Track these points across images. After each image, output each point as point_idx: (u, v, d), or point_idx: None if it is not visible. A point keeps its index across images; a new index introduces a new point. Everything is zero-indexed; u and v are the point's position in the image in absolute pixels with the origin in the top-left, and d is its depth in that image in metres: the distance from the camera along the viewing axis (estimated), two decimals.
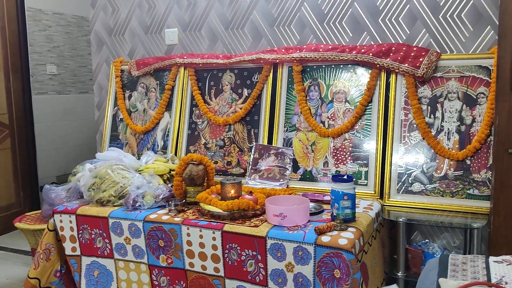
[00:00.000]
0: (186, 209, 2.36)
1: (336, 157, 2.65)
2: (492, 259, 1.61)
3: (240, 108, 2.95)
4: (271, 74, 2.89)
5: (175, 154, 3.06)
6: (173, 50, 3.30)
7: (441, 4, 2.52)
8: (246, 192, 2.37)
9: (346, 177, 2.15)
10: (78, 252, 2.49)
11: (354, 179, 2.42)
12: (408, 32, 2.60)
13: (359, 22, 2.72)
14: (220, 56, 3.04)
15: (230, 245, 2.08)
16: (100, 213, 2.41)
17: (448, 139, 2.44)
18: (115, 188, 2.47)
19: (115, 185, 2.47)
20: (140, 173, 2.62)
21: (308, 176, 2.71)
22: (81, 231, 2.47)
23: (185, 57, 3.13)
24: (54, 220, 2.52)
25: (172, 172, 2.68)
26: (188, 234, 2.17)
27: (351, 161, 2.62)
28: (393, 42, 2.63)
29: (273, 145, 2.81)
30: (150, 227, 2.26)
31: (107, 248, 2.41)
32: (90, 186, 2.53)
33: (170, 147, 3.10)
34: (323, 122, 2.73)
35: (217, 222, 2.14)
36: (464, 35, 2.49)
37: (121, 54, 3.50)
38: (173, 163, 2.82)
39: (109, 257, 2.41)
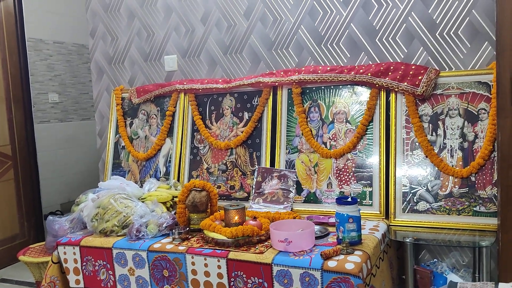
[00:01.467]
0: (190, 236, 2.34)
1: (339, 178, 2.64)
2: (502, 286, 1.58)
3: (241, 132, 2.95)
4: (271, 97, 2.90)
5: (178, 180, 3.06)
6: (172, 76, 3.32)
7: (437, 22, 2.53)
8: (250, 217, 2.35)
9: (350, 199, 2.13)
10: (81, 285, 2.46)
11: (358, 200, 2.41)
12: (406, 51, 2.61)
13: (356, 43, 2.73)
14: (220, 80, 3.05)
15: (236, 273, 2.05)
16: (103, 244, 2.39)
17: (452, 156, 2.43)
18: (118, 217, 2.45)
19: (118, 214, 2.46)
20: (143, 201, 2.61)
21: (312, 198, 2.69)
22: (84, 263, 2.45)
23: (185, 83, 3.14)
24: (58, 252, 2.51)
25: (175, 199, 2.66)
26: (193, 263, 2.15)
27: (355, 181, 2.60)
28: (391, 61, 2.64)
29: (275, 167, 2.80)
30: (155, 256, 2.24)
31: (110, 280, 2.38)
32: (93, 216, 2.52)
33: (173, 173, 3.10)
34: (324, 143, 2.72)
35: (222, 250, 2.11)
36: (462, 52, 2.49)
37: (121, 82, 3.52)
38: (176, 190, 2.81)
39: None
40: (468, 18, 2.46)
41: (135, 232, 2.35)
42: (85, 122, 4.93)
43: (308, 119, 2.78)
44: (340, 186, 2.63)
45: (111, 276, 2.38)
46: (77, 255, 2.46)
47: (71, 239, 2.49)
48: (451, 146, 2.43)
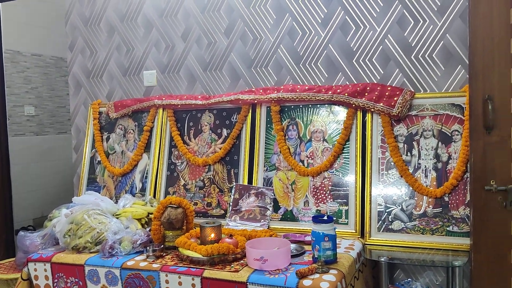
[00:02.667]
0: (164, 254, 2.30)
1: (316, 196, 2.65)
2: None
3: (220, 148, 2.94)
4: (249, 114, 2.91)
5: (154, 196, 3.02)
6: (151, 91, 3.31)
7: (413, 45, 2.59)
8: (226, 235, 2.33)
9: (326, 218, 2.14)
10: None
11: (334, 218, 2.42)
12: (382, 72, 2.66)
13: (334, 63, 2.78)
14: (199, 97, 3.05)
15: None
16: (76, 260, 2.34)
17: (426, 176, 2.47)
18: (92, 234, 2.41)
19: (92, 231, 2.41)
20: (117, 218, 2.57)
21: (289, 216, 2.69)
22: (56, 280, 2.38)
23: (163, 98, 3.13)
24: (28, 268, 2.44)
25: (150, 215, 2.63)
26: (167, 281, 2.11)
27: (331, 199, 2.61)
28: (368, 82, 2.69)
29: (253, 185, 2.80)
30: (128, 274, 2.20)
31: None
32: (66, 232, 2.46)
33: (149, 189, 3.06)
34: (302, 161, 2.73)
35: (197, 268, 2.09)
36: (436, 74, 2.55)
37: (99, 96, 3.49)
38: (151, 206, 2.78)
39: None
40: (442, 42, 2.53)
41: (108, 249, 2.30)
42: (62, 135, 4.86)
43: (286, 137, 2.80)
44: (317, 204, 2.64)
45: None
46: (48, 271, 2.40)
47: (42, 255, 2.43)
48: (425, 166, 2.47)
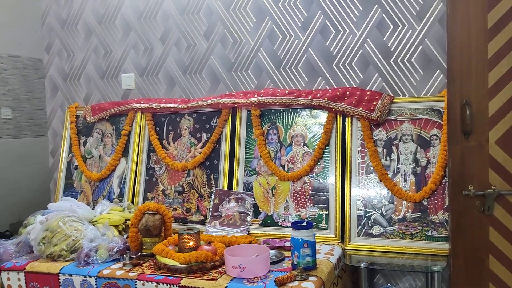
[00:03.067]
0: (141, 262, 2.26)
1: (296, 201, 2.63)
2: None
3: (199, 153, 2.91)
4: (230, 118, 2.88)
5: (132, 201, 2.97)
6: (129, 95, 3.25)
7: (392, 49, 2.59)
8: (205, 241, 2.30)
9: (305, 224, 2.12)
10: None
11: (314, 223, 2.40)
12: (362, 77, 2.66)
13: (314, 67, 2.76)
14: (178, 100, 3.01)
15: None
16: (50, 269, 2.28)
17: (405, 181, 2.47)
18: (67, 241, 2.35)
19: (67, 238, 2.36)
20: (94, 224, 2.52)
21: (269, 221, 2.66)
22: None
23: (142, 102, 3.08)
24: (1, 278, 2.37)
25: (128, 222, 2.58)
26: None
27: (311, 204, 2.60)
28: (348, 86, 2.68)
29: (233, 190, 2.77)
30: (104, 283, 2.15)
31: None
32: (40, 240, 2.40)
33: (127, 195, 3.01)
34: (282, 166, 2.71)
35: (174, 277, 2.05)
36: (415, 79, 2.56)
37: (76, 99, 3.42)
38: (129, 212, 2.73)
39: None
40: (421, 46, 2.54)
41: (84, 257, 2.25)
42: (40, 139, 4.74)
43: (267, 141, 2.77)
44: (297, 209, 2.62)
45: None
46: (21, 281, 2.33)
47: (16, 264, 2.37)
48: (404, 170, 2.48)
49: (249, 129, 2.83)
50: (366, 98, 2.54)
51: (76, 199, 3.06)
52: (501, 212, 1.97)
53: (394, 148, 2.51)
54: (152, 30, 3.15)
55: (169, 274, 2.07)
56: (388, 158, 2.51)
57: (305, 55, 2.78)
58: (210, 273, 2.06)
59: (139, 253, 2.29)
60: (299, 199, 2.63)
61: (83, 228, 2.41)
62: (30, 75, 4.67)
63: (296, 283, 1.92)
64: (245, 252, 2.14)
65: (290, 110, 2.75)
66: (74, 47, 3.40)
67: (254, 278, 1.98)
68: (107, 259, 2.28)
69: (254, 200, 2.71)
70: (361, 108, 2.53)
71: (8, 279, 2.36)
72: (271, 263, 2.12)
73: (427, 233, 2.37)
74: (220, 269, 2.11)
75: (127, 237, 2.40)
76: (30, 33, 4.54)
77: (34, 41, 4.50)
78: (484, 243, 2.01)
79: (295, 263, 2.05)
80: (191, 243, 2.20)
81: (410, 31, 2.55)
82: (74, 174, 3.24)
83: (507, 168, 1.96)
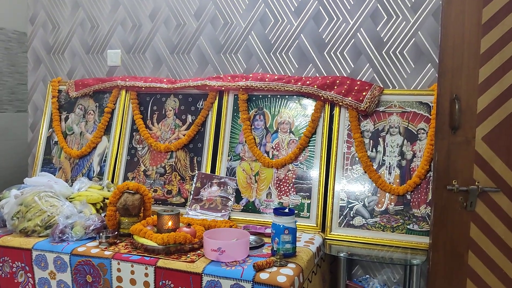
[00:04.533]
0: (118, 241, 2.21)
1: (279, 189, 2.60)
2: None
3: (183, 135, 2.85)
4: (216, 101, 2.83)
5: (112, 181, 2.91)
6: (115, 72, 3.17)
7: (384, 40, 2.57)
8: (184, 224, 2.26)
9: (287, 211, 2.09)
10: None
11: (296, 212, 2.38)
12: (353, 66, 2.63)
13: (305, 54, 2.72)
14: (164, 80, 2.94)
15: (164, 282, 1.95)
16: (23, 244, 2.21)
17: (390, 173, 2.45)
18: (42, 217, 2.29)
19: (42, 214, 2.29)
20: (71, 201, 2.46)
21: (251, 207, 2.63)
22: (1, 264, 2.26)
23: (127, 79, 3.01)
24: None
25: (106, 200, 2.52)
26: (119, 270, 2.02)
27: (294, 192, 2.57)
28: (338, 75, 2.65)
29: (216, 174, 2.72)
30: (78, 261, 2.10)
31: (29, 283, 2.21)
32: (14, 214, 2.34)
33: (107, 174, 2.94)
34: (267, 152, 2.68)
35: (151, 257, 2.01)
36: (406, 71, 2.54)
37: (59, 74, 3.33)
38: (108, 191, 2.67)
39: None
40: (414, 39, 2.51)
41: (58, 234, 2.19)
42: (21, 114, 4.63)
43: (253, 127, 2.73)
44: (280, 197, 2.59)
45: (30, 279, 2.21)
46: None
47: None
48: (389, 163, 2.46)
49: (235, 114, 2.78)
50: (355, 88, 2.51)
51: (55, 175, 2.99)
52: (483, 209, 1.97)
53: (380, 140, 2.49)
54: (142, 6, 3.07)
55: (146, 255, 2.03)
56: (374, 150, 2.49)
57: (297, 41, 2.73)
58: (188, 255, 2.03)
59: (116, 232, 2.23)
60: (282, 186, 2.60)
61: (59, 204, 2.35)
62: (13, 49, 4.53)
63: (274, 269, 1.89)
64: (224, 235, 2.10)
65: (278, 96, 2.71)
66: (60, 19, 3.30)
67: (232, 262, 1.95)
68: (83, 236, 2.23)
69: (237, 185, 2.67)
70: (350, 98, 2.51)
71: None
72: (251, 249, 2.10)
73: (408, 226, 2.36)
74: (199, 251, 2.08)
75: (104, 216, 2.34)
76: (15, 4, 4.41)
77: (19, 13, 4.37)
78: (465, 238, 2.01)
79: (275, 249, 2.03)
80: (170, 224, 2.16)
81: (404, 22, 2.52)
82: (54, 150, 3.16)
83: (492, 165, 1.96)
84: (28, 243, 2.21)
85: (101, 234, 2.17)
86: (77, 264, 2.10)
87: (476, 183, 1.97)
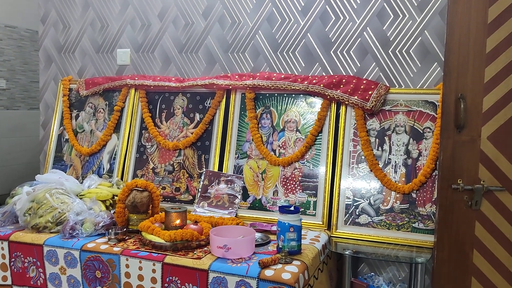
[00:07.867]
0: (127, 238, 2.25)
1: (286, 186, 2.63)
2: None
3: (191, 133, 2.89)
4: (224, 100, 2.86)
5: (121, 178, 2.95)
6: (124, 70, 3.22)
7: (391, 39, 2.57)
8: (191, 221, 2.29)
9: (293, 209, 2.12)
10: (9, 282, 2.33)
11: (302, 209, 2.40)
12: (359, 65, 2.64)
13: (311, 53, 2.74)
14: (173, 79, 2.98)
15: (171, 278, 1.99)
16: (34, 240, 2.27)
17: (395, 172, 2.46)
18: (53, 213, 2.34)
19: (53, 210, 2.34)
20: (81, 198, 2.50)
21: (257, 205, 2.66)
22: (13, 259, 2.31)
23: (136, 78, 3.05)
24: None
25: (115, 197, 2.57)
26: (127, 266, 2.06)
27: (301, 190, 2.59)
28: (344, 74, 2.66)
29: (223, 172, 2.76)
30: (87, 256, 2.14)
31: (40, 278, 2.26)
32: (26, 210, 2.39)
33: (117, 171, 2.99)
34: (274, 151, 2.70)
35: (158, 253, 2.05)
36: (412, 70, 2.54)
37: (70, 73, 3.38)
38: (118, 188, 2.71)
39: None
40: (420, 38, 2.51)
41: (69, 230, 2.24)
42: (34, 111, 4.70)
43: (260, 125, 2.76)
44: (286, 195, 2.62)
45: (41, 274, 2.26)
46: (5, 250, 2.32)
47: (0, 233, 2.35)
48: (395, 162, 2.47)
49: (242, 112, 2.81)
50: (362, 87, 2.52)
51: (66, 172, 3.05)
52: (488, 208, 1.98)
53: (386, 138, 2.50)
54: (150, 6, 3.10)
55: (153, 251, 2.07)
56: (380, 148, 2.51)
57: (303, 40, 2.75)
58: (195, 252, 2.06)
59: (125, 229, 2.28)
60: (288, 184, 2.63)
61: (69, 201, 2.40)
62: (26, 47, 4.60)
63: (279, 266, 1.92)
64: (231, 233, 2.13)
65: (285, 95, 2.73)
66: (70, 19, 3.35)
67: (238, 259, 1.98)
68: (92, 233, 2.28)
69: (244, 183, 2.70)
70: (356, 97, 2.52)
71: None
72: (257, 246, 2.12)
73: (413, 225, 2.37)
74: (205, 248, 2.11)
75: (114, 213, 2.39)
76: (29, 3, 4.48)
77: (32, 12, 4.44)
78: (470, 237, 2.02)
79: (280, 246, 2.05)
80: (178, 221, 2.20)
81: (410, 21, 2.52)
82: (65, 147, 3.22)
83: (497, 164, 1.96)
84: (40, 239, 2.26)
85: (110, 230, 2.22)
86: (87, 260, 2.15)
87: (481, 182, 1.98)
